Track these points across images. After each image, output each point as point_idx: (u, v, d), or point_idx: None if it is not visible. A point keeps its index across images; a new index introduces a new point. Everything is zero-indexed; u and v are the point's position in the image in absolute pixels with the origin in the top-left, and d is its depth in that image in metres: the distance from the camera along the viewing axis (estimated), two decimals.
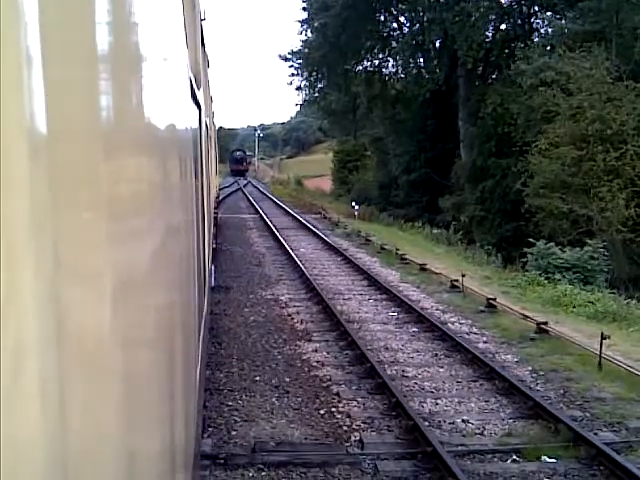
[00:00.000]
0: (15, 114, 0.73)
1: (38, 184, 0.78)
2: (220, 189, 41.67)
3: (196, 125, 5.82)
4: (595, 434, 8.00)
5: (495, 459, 7.50)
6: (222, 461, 7.19)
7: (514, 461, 7.43)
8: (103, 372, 1.20)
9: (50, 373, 0.83)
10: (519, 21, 38.73)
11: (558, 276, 18.82)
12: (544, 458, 7.44)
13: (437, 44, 41.04)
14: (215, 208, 23.45)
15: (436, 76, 39.29)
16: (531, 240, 21.96)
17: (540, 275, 18.63)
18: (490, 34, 39.03)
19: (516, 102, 30.82)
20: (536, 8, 38.13)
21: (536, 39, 36.24)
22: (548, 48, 31.71)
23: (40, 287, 0.79)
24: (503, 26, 39.22)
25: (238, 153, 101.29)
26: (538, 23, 38.75)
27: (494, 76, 39.54)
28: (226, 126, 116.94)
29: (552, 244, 21.31)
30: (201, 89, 6.90)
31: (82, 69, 1.11)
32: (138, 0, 1.73)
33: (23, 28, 0.75)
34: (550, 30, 35.74)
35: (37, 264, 0.78)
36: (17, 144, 0.73)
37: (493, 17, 37.84)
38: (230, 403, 8.88)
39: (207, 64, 12.34)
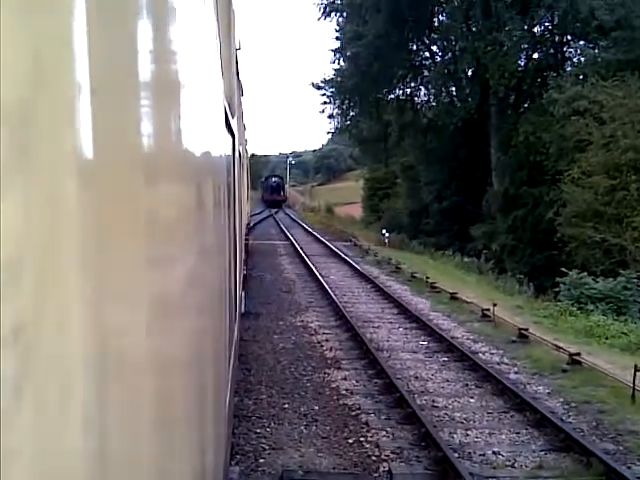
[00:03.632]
0: (65, 142, 0.75)
1: (84, 209, 0.80)
2: (251, 216, 41.93)
3: (230, 153, 5.88)
4: (628, 468, 7.83)
5: None
6: None
7: None
8: (137, 396, 1.21)
9: (89, 397, 0.84)
10: (551, 50, 38.64)
11: (591, 306, 18.57)
12: None
13: (469, 73, 41.09)
14: (246, 235, 23.57)
15: (468, 105, 39.26)
16: (563, 270, 21.74)
17: (572, 305, 18.40)
18: (522, 63, 38.93)
19: (548, 131, 30.68)
20: (569, 37, 38.09)
21: (569, 68, 36.18)
22: (581, 77, 31.58)
23: (84, 311, 0.81)
24: (535, 55, 39.10)
25: (274, 180, 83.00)
26: (571, 52, 38.71)
27: (526, 105, 39.34)
28: (258, 153, 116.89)
29: (585, 274, 21.07)
30: (235, 117, 6.98)
31: (124, 97, 1.14)
32: (177, 30, 1.77)
33: (73, 61, 0.78)
34: (583, 59, 35.67)
35: (82, 287, 0.80)
36: (66, 171, 0.75)
37: (525, 46, 37.78)
38: (258, 430, 8.85)
39: (241, 92, 12.48)
